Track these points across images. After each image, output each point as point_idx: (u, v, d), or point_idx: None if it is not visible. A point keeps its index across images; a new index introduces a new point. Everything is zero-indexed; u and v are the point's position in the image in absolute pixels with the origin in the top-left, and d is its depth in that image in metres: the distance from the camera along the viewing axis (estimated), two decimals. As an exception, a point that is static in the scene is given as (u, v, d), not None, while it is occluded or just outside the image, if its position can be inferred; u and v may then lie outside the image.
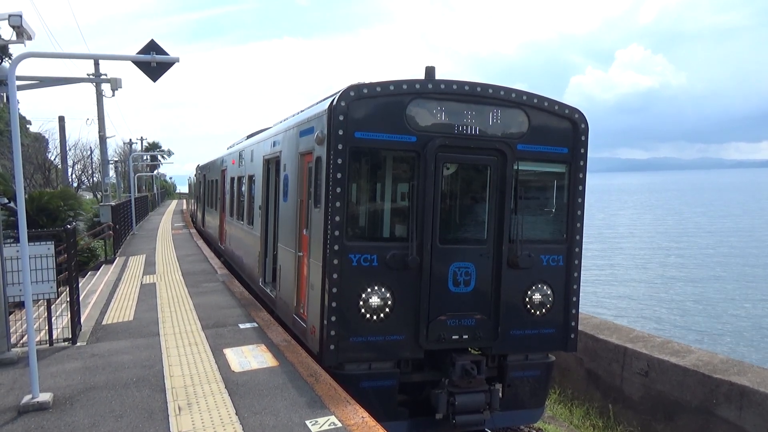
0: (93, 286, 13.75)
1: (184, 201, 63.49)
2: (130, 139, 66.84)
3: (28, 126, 54.13)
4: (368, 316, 7.06)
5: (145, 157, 63.79)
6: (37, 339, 7.50)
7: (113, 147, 67.39)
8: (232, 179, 16.26)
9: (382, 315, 7.11)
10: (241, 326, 9.10)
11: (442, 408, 7.28)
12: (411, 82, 7.14)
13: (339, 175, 6.89)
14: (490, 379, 7.77)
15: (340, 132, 6.87)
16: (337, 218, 6.91)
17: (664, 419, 9.12)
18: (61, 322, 8.78)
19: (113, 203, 24.74)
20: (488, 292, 7.58)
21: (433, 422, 7.42)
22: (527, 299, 7.72)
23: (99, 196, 36.61)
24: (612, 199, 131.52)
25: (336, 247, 6.93)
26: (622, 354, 9.91)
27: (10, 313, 7.92)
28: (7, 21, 6.75)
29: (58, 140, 47.81)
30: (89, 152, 52.72)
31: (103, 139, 27.84)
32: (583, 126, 7.84)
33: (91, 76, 24.11)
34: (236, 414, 5.65)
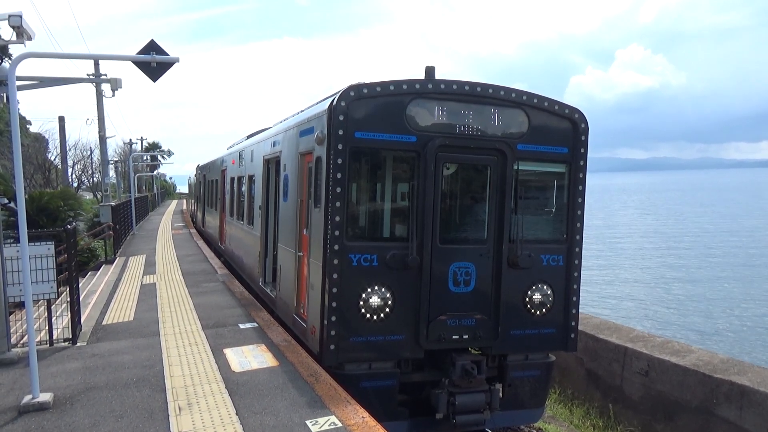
0: (93, 286, 13.75)
1: (184, 201, 63.49)
2: (130, 139, 66.95)
3: (28, 126, 54.13)
4: (368, 316, 7.06)
5: (145, 157, 63.81)
6: (38, 339, 7.50)
7: (113, 147, 67.50)
8: (232, 179, 16.26)
9: (382, 315, 7.11)
10: (242, 326, 9.10)
11: (443, 408, 7.28)
12: (411, 82, 7.14)
13: (339, 175, 6.89)
14: (491, 378, 7.77)
15: (340, 132, 6.87)
16: (337, 218, 6.91)
17: (664, 419, 9.12)
18: (62, 322, 8.78)
19: (113, 203, 24.75)
20: (488, 292, 7.58)
21: (433, 422, 7.43)
22: (527, 299, 7.72)
23: (99, 196, 36.63)
24: (612, 199, 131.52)
25: (336, 247, 6.93)
26: (623, 354, 9.91)
27: (11, 313, 7.93)
28: (7, 21, 6.75)
29: (58, 140, 47.88)
30: (89, 152, 52.81)
31: (103, 139, 27.85)
32: (583, 126, 7.84)
33: (91, 76, 24.13)
34: (236, 414, 5.65)
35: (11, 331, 7.93)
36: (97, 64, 25.19)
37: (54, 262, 7.76)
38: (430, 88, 7.20)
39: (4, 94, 8.42)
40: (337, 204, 6.90)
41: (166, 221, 36.26)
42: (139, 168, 58.61)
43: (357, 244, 7.08)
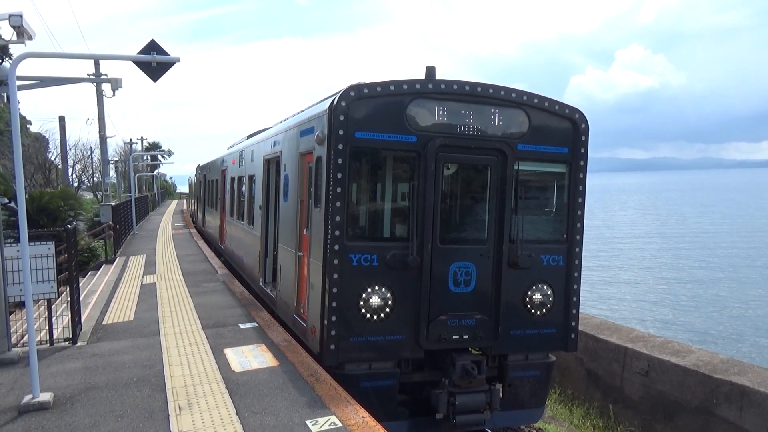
0: (93, 286, 13.75)
1: (185, 201, 63.49)
2: (131, 139, 66.99)
3: (28, 126, 54.16)
4: (368, 316, 7.06)
5: (145, 157, 63.86)
6: (38, 339, 7.50)
7: (113, 147, 67.53)
8: (233, 179, 16.27)
9: (382, 315, 7.11)
10: (242, 326, 9.10)
11: (443, 408, 7.28)
12: (411, 82, 7.14)
13: (339, 175, 6.89)
14: (491, 379, 7.77)
15: (341, 132, 6.87)
16: (338, 218, 6.91)
17: (664, 419, 9.12)
18: (62, 322, 8.78)
19: (113, 203, 24.72)
20: (488, 292, 7.58)
21: (433, 422, 7.43)
22: (527, 299, 7.72)
23: (99, 196, 36.64)
24: (612, 199, 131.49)
25: (336, 247, 6.94)
26: (623, 354, 9.91)
27: (11, 313, 7.93)
28: (7, 21, 6.75)
29: (59, 140, 47.94)
30: (89, 152, 52.89)
31: (103, 139, 27.84)
32: (583, 126, 7.84)
33: (91, 76, 24.11)
34: (237, 414, 5.65)
35: (11, 330, 7.93)
36: (97, 64, 25.19)
37: (54, 261, 7.76)
38: (431, 88, 7.21)
39: (5, 94, 8.42)
40: (338, 204, 6.90)
41: (166, 221, 36.26)
42: (140, 168, 58.63)
43: (357, 244, 7.08)
